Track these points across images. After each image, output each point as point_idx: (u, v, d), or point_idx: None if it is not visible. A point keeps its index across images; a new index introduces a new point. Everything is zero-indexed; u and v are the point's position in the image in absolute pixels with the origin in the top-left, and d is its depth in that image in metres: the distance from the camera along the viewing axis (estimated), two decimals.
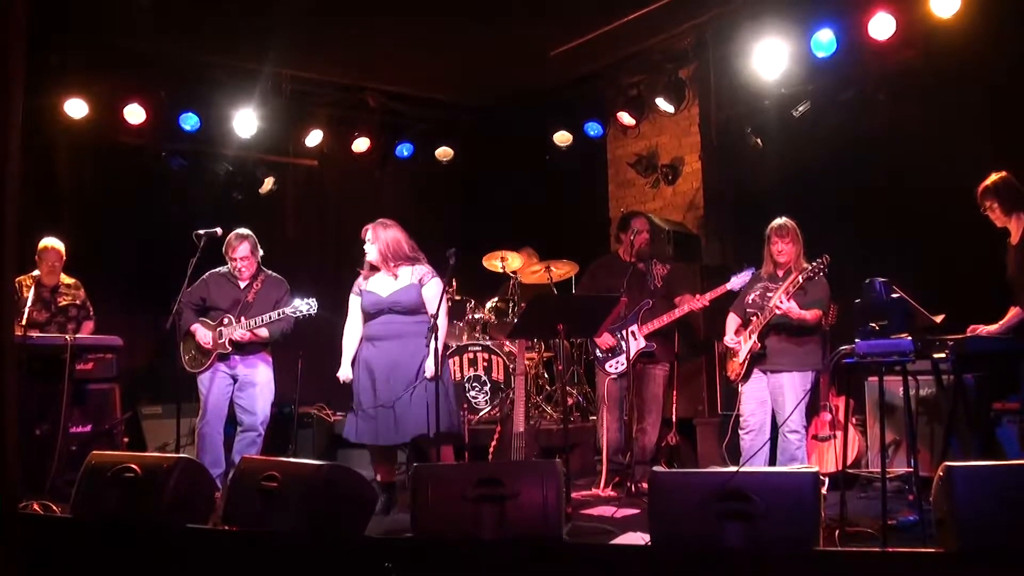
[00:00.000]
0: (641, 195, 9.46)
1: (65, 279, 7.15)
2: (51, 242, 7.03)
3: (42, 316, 6.93)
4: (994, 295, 5.32)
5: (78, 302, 7.17)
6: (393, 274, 5.95)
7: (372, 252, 5.96)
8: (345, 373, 6.05)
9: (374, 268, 6.01)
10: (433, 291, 5.88)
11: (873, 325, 4.69)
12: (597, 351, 6.73)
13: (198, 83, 8.62)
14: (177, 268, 6.19)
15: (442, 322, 5.78)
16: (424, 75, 9.41)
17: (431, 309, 5.83)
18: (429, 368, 5.74)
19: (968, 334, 5.20)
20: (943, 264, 6.40)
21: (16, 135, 3.25)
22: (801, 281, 5.58)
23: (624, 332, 6.55)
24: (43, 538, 4.55)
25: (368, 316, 5.99)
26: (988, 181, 5.29)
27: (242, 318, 6.29)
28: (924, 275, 5.97)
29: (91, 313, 7.24)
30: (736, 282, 6.24)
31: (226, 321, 6.32)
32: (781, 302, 5.59)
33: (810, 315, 5.66)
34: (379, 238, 5.94)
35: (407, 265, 5.96)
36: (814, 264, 5.55)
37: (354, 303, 6.07)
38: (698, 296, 6.44)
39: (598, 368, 6.79)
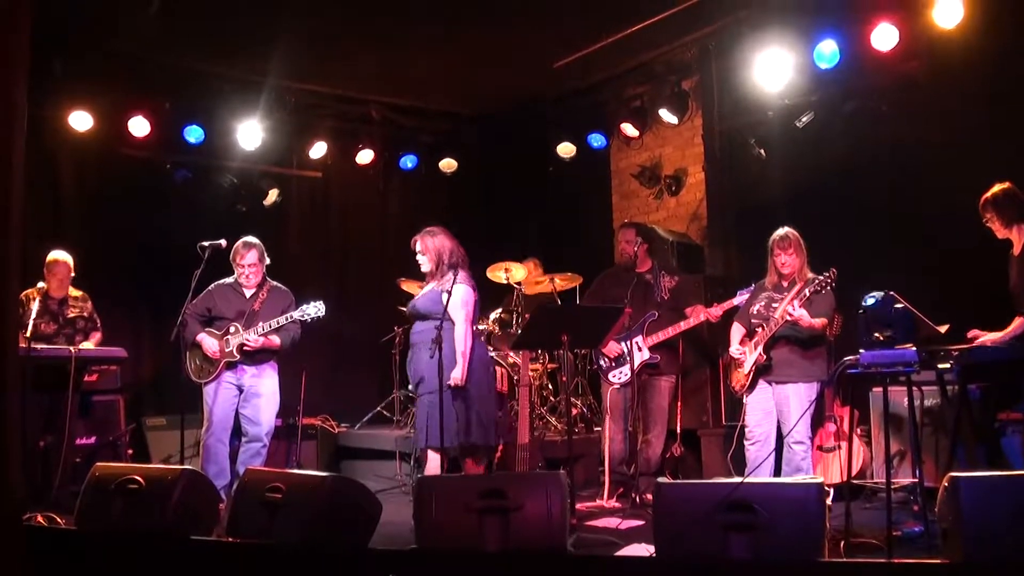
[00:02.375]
0: (644, 206, 9.47)
1: (73, 291, 7.17)
2: (60, 255, 7.05)
3: (50, 328, 6.95)
4: (997, 305, 5.31)
5: (86, 314, 7.19)
6: (432, 281, 6.00)
7: (424, 263, 6.02)
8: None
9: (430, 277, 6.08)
10: (457, 297, 5.81)
11: (877, 335, 4.68)
12: (601, 361, 6.73)
13: (202, 95, 8.65)
14: (181, 280, 6.19)
15: (461, 328, 5.79)
16: (428, 87, 9.44)
17: (454, 315, 5.79)
18: (455, 376, 5.72)
19: (971, 340, 5.18)
20: (946, 274, 6.38)
21: (20, 147, 3.26)
22: (808, 293, 5.57)
23: (628, 343, 6.55)
24: (47, 550, 4.55)
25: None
26: (988, 193, 5.29)
27: (249, 328, 6.30)
28: (927, 285, 5.96)
29: (98, 325, 7.25)
30: (742, 298, 6.24)
31: (232, 330, 6.33)
32: (793, 308, 5.57)
33: (819, 323, 5.66)
34: (428, 247, 5.98)
35: (450, 272, 5.94)
36: (822, 277, 5.52)
37: None
38: (713, 307, 6.45)
39: (602, 378, 6.79)
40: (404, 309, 7.34)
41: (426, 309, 5.91)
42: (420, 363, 5.85)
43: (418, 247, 6.02)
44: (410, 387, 6.15)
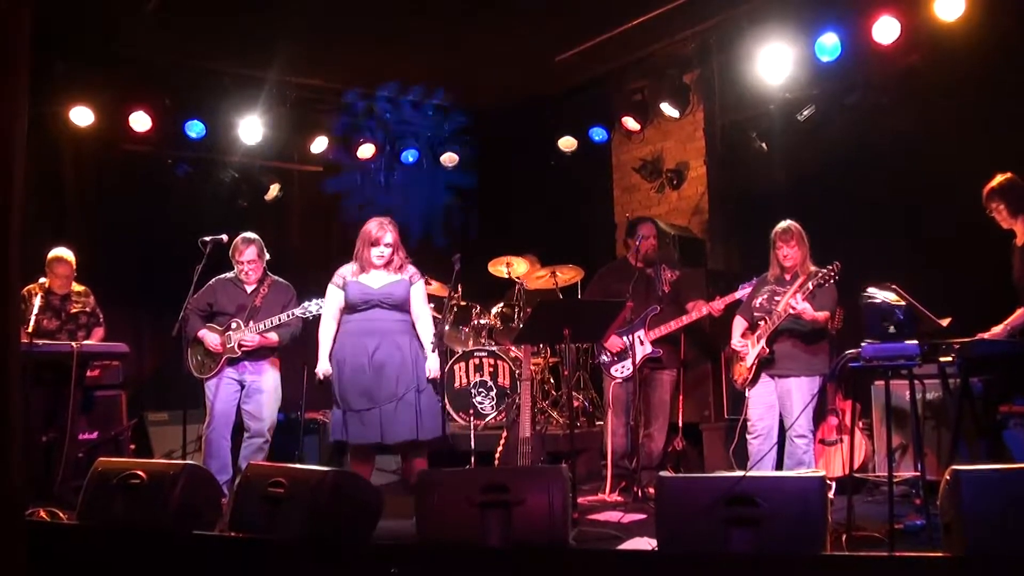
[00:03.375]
0: (646, 200, 9.46)
1: (75, 287, 7.18)
2: (61, 253, 7.04)
3: (53, 324, 6.96)
4: (1000, 298, 5.31)
5: (88, 309, 7.19)
6: (390, 271, 5.89)
7: (387, 253, 5.83)
8: (324, 368, 5.86)
9: (371, 266, 5.88)
10: (422, 291, 5.93)
11: (891, 327, 4.65)
12: (603, 355, 6.73)
13: (203, 90, 8.64)
14: (183, 275, 6.20)
15: (431, 320, 5.90)
16: (429, 81, 9.42)
17: (416, 308, 5.85)
18: (434, 369, 5.73)
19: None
20: (948, 267, 6.38)
21: (21, 142, 3.26)
22: (811, 287, 5.56)
23: (630, 337, 6.55)
24: (50, 545, 4.55)
25: (353, 309, 5.85)
26: (994, 183, 5.28)
27: (251, 322, 6.29)
28: (929, 278, 5.95)
29: (101, 320, 7.26)
30: (744, 292, 6.23)
31: (234, 325, 6.32)
32: (796, 302, 5.57)
33: (821, 316, 5.65)
34: (396, 238, 5.88)
35: (408, 263, 5.96)
36: (825, 271, 5.52)
37: (336, 295, 5.90)
38: (715, 300, 6.44)
39: (604, 373, 6.79)
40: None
41: (402, 299, 5.84)
42: (393, 353, 5.75)
43: (391, 238, 5.85)
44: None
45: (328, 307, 5.94)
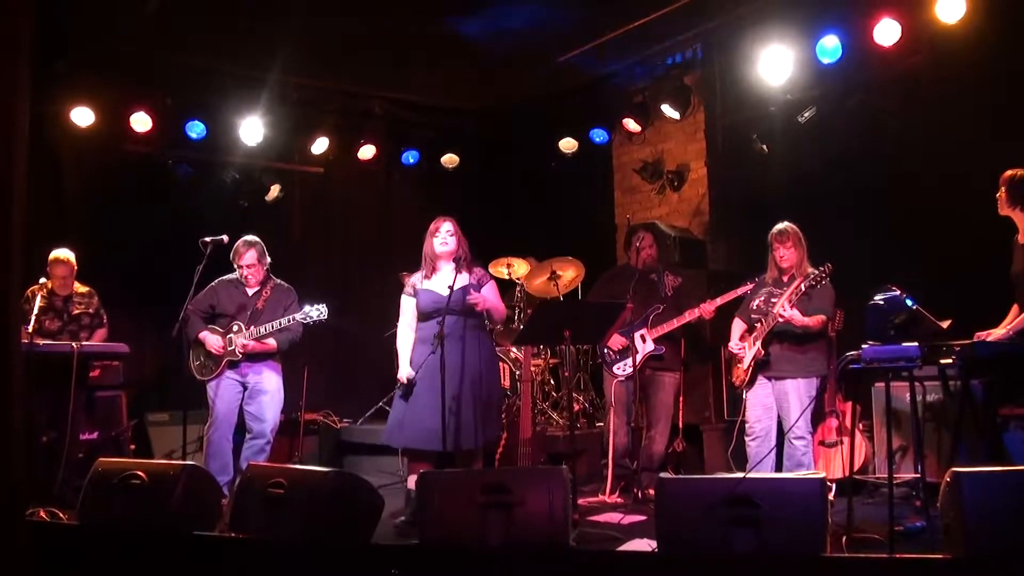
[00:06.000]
0: (647, 201, 9.45)
1: (79, 288, 7.18)
2: (62, 253, 7.03)
3: (55, 325, 6.96)
4: (1000, 300, 5.30)
5: (91, 310, 7.19)
6: (456, 271, 5.76)
7: (452, 244, 5.81)
8: (408, 372, 5.75)
9: (432, 267, 5.84)
10: (495, 292, 5.88)
11: (897, 320, 4.65)
12: (606, 352, 6.71)
13: (204, 91, 8.64)
14: (184, 276, 6.19)
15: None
16: (430, 82, 9.42)
17: (496, 309, 5.83)
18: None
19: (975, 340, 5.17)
20: (949, 269, 6.38)
21: (22, 143, 3.26)
22: (804, 289, 5.56)
23: (632, 336, 6.55)
24: (50, 545, 4.56)
25: (425, 316, 5.78)
26: (1014, 172, 5.16)
27: (251, 325, 6.29)
28: (929, 280, 5.96)
29: (104, 321, 7.25)
30: (747, 288, 6.22)
31: (235, 328, 6.32)
32: (784, 310, 5.58)
33: (813, 321, 5.64)
34: (457, 231, 5.84)
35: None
36: (817, 272, 5.52)
37: (409, 304, 5.89)
38: (707, 301, 6.43)
39: (606, 371, 6.78)
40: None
41: (468, 304, 5.73)
42: (470, 358, 5.72)
43: (450, 228, 5.85)
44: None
45: (404, 316, 5.93)
